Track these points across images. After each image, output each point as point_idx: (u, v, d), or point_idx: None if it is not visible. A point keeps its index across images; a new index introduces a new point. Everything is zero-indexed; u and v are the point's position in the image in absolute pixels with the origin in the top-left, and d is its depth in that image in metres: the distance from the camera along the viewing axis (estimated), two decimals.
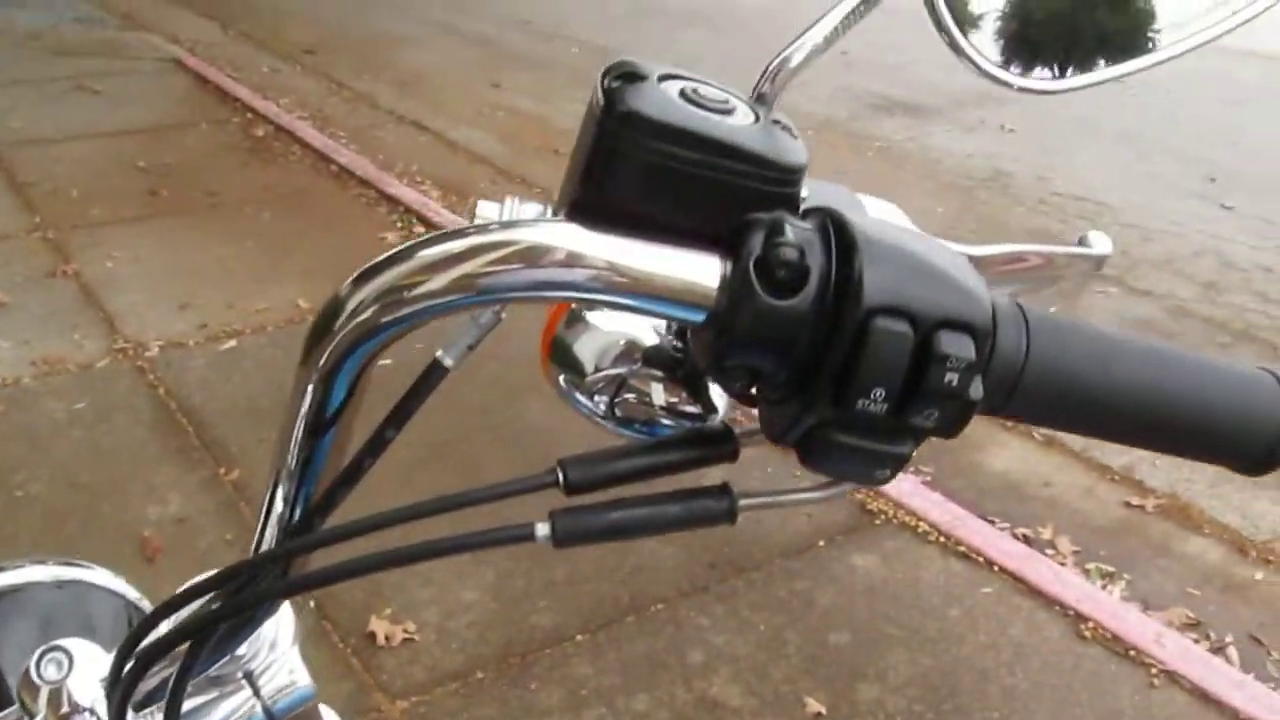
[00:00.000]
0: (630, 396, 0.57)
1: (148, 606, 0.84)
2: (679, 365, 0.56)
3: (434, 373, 0.51)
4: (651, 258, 0.46)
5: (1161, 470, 3.27)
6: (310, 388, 0.53)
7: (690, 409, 0.56)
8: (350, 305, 0.49)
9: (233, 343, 3.57)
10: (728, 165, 0.47)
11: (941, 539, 2.81)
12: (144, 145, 5.31)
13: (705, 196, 0.47)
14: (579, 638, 2.42)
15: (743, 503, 0.50)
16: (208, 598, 0.57)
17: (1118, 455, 3.33)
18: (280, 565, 0.57)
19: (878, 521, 2.86)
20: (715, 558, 2.68)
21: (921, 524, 2.85)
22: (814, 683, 2.34)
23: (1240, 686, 2.44)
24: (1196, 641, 2.58)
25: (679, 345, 0.56)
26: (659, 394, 0.56)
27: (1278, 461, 0.50)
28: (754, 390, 0.48)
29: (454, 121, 5.90)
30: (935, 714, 2.29)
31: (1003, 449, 3.30)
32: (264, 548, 0.58)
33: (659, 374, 0.56)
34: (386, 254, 0.49)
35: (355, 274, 0.50)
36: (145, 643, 0.56)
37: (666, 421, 0.57)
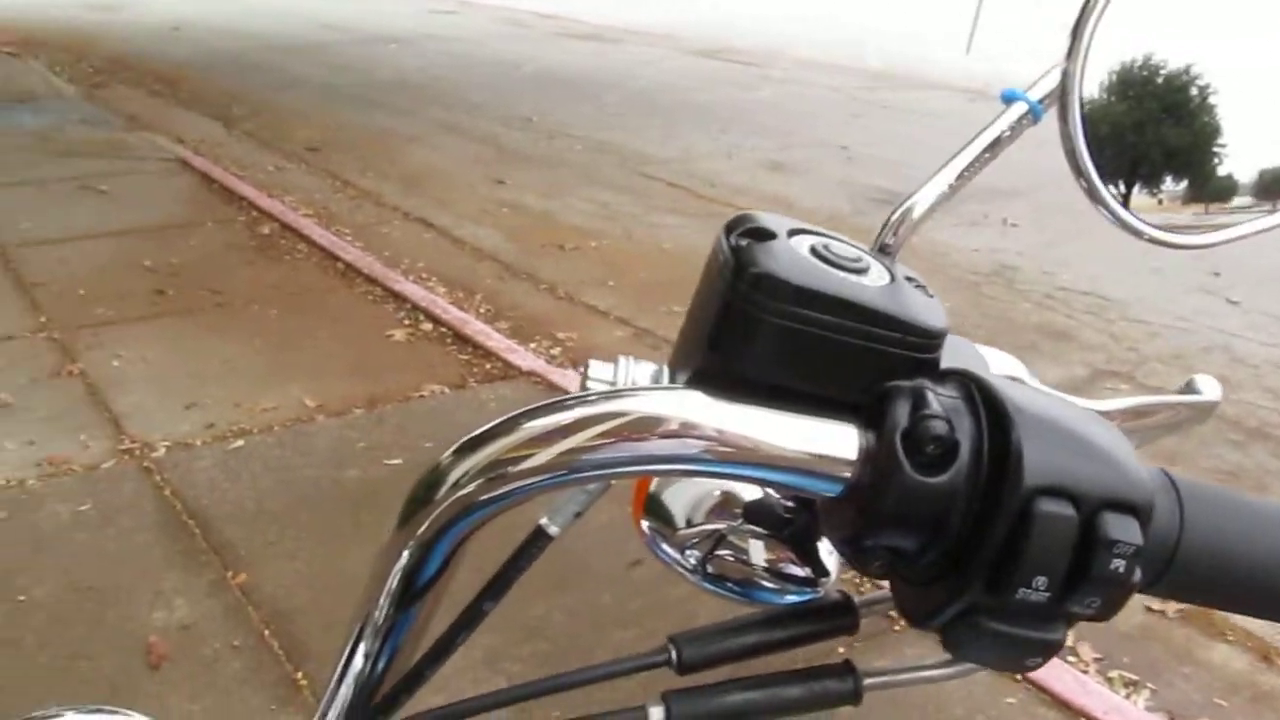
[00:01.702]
0: (726, 554, 0.54)
1: None
2: (785, 525, 0.53)
3: (537, 540, 0.48)
4: (783, 428, 0.44)
5: None
6: (404, 555, 0.49)
7: (795, 571, 0.53)
8: (452, 477, 0.46)
9: (240, 442, 3.54)
10: (867, 330, 0.44)
11: None
12: (150, 244, 5.33)
13: (840, 363, 0.45)
14: None
15: (868, 682, 0.47)
16: None
17: None
18: None
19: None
20: None
21: None
22: None
23: None
24: None
25: (790, 505, 0.53)
26: (758, 553, 0.53)
27: None
28: (892, 571, 0.45)
29: (459, 219, 5.93)
30: None
31: None
32: (333, 715, 0.54)
33: (761, 531, 0.53)
34: (491, 424, 0.46)
35: (459, 443, 0.47)
36: None
37: (766, 583, 0.54)
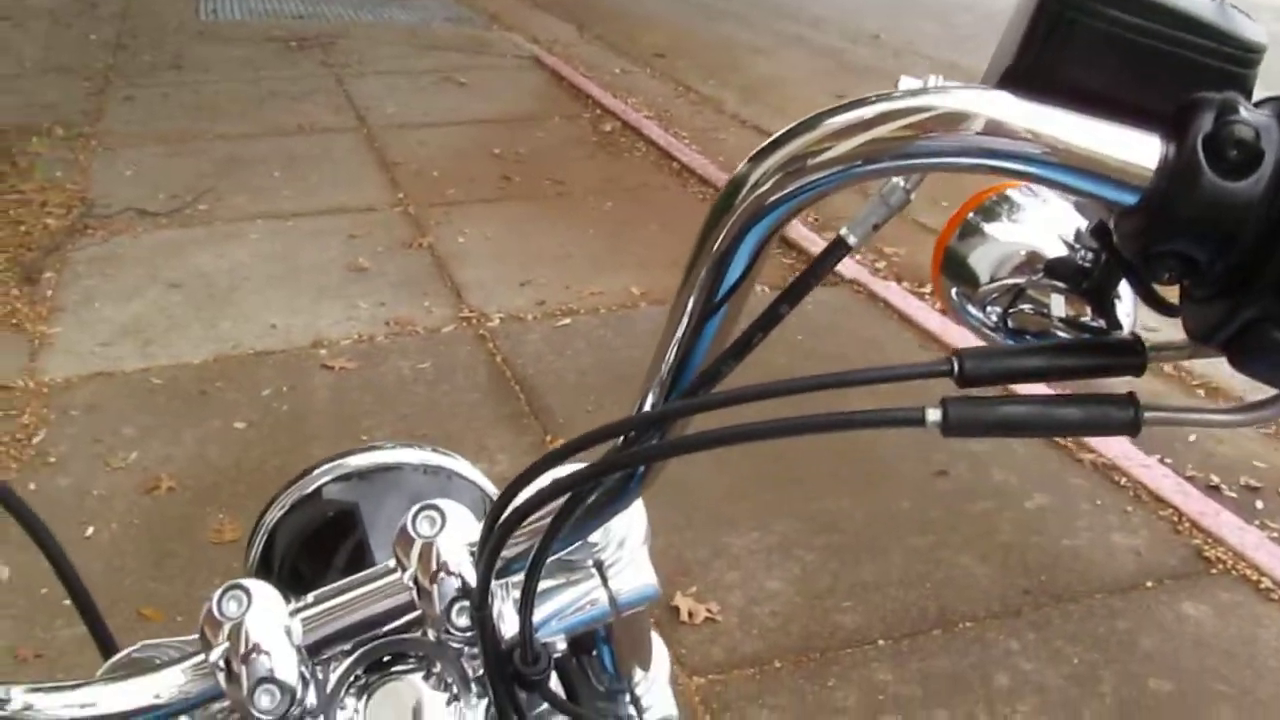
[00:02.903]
0: (1026, 308, 0.54)
1: None
2: (1085, 277, 0.52)
3: (836, 250, 0.49)
4: (1084, 132, 0.43)
5: None
6: (711, 257, 0.52)
7: (1092, 323, 0.53)
8: (754, 177, 0.49)
9: (567, 320, 3.71)
10: (1185, 38, 0.43)
11: None
12: (500, 134, 5.61)
13: (1154, 71, 0.44)
14: (881, 643, 2.37)
15: (1148, 415, 0.46)
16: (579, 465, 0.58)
17: None
18: (661, 429, 0.57)
19: (1214, 570, 2.65)
20: (1031, 583, 2.56)
21: (1265, 580, 2.63)
22: None
23: None
24: None
25: (1088, 257, 0.53)
26: (1059, 306, 0.53)
27: None
28: (1180, 288, 0.45)
29: None
30: None
31: None
32: (648, 405, 0.58)
33: (1061, 285, 0.53)
34: (789, 126, 0.48)
35: (760, 145, 0.50)
36: (520, 498, 0.58)
37: (1064, 334, 0.53)
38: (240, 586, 0.62)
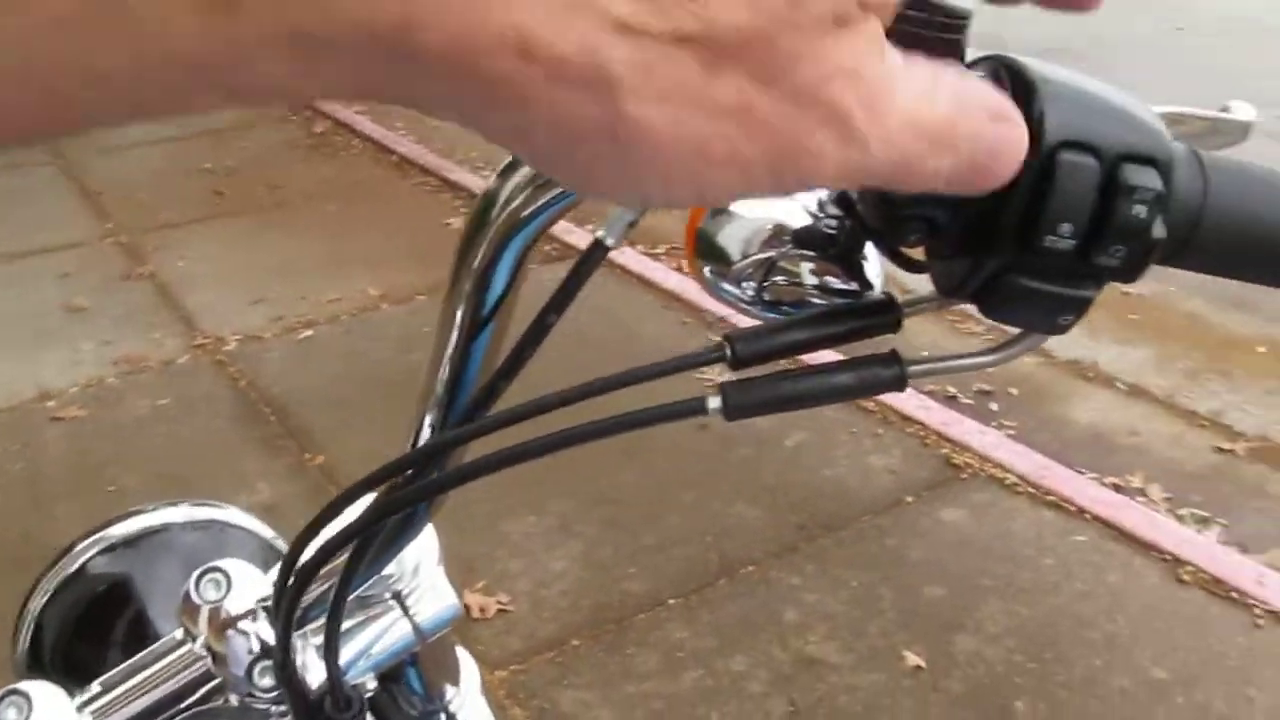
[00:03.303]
0: (780, 279, 0.56)
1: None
2: (833, 243, 0.54)
3: (595, 252, 0.50)
4: None
5: (1251, 414, 3.21)
6: (468, 283, 0.52)
7: (844, 286, 0.55)
8: (507, 191, 0.49)
9: (309, 332, 3.61)
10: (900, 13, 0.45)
11: (1030, 490, 2.78)
12: (206, 147, 5.38)
13: None
14: (671, 602, 2.42)
15: (912, 369, 0.49)
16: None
17: (1205, 401, 3.27)
18: (443, 459, 0.57)
19: (964, 476, 2.83)
20: (802, 518, 2.67)
21: (1009, 476, 2.82)
22: (911, 636, 2.33)
23: None
24: None
25: (832, 224, 0.55)
26: (810, 275, 0.55)
27: None
28: (926, 248, 0.47)
29: None
30: (1036, 663, 2.27)
31: (1086, 400, 3.25)
32: (422, 438, 0.58)
33: (810, 254, 0.55)
34: None
35: (504, 164, 0.50)
36: (310, 550, 0.56)
37: (818, 300, 0.56)
38: (17, 692, 0.58)
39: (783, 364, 0.51)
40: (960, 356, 0.50)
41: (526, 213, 0.49)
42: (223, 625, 0.60)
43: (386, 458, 0.56)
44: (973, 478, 2.83)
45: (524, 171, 0.48)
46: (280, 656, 0.59)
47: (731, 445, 2.93)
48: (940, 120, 0.36)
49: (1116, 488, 2.83)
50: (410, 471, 0.55)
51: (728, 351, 0.49)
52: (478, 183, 4.75)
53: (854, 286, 0.54)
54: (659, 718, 2.15)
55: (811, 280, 0.55)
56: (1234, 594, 2.45)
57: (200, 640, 0.61)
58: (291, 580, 0.57)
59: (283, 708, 0.62)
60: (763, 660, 2.27)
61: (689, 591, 2.45)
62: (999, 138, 0.39)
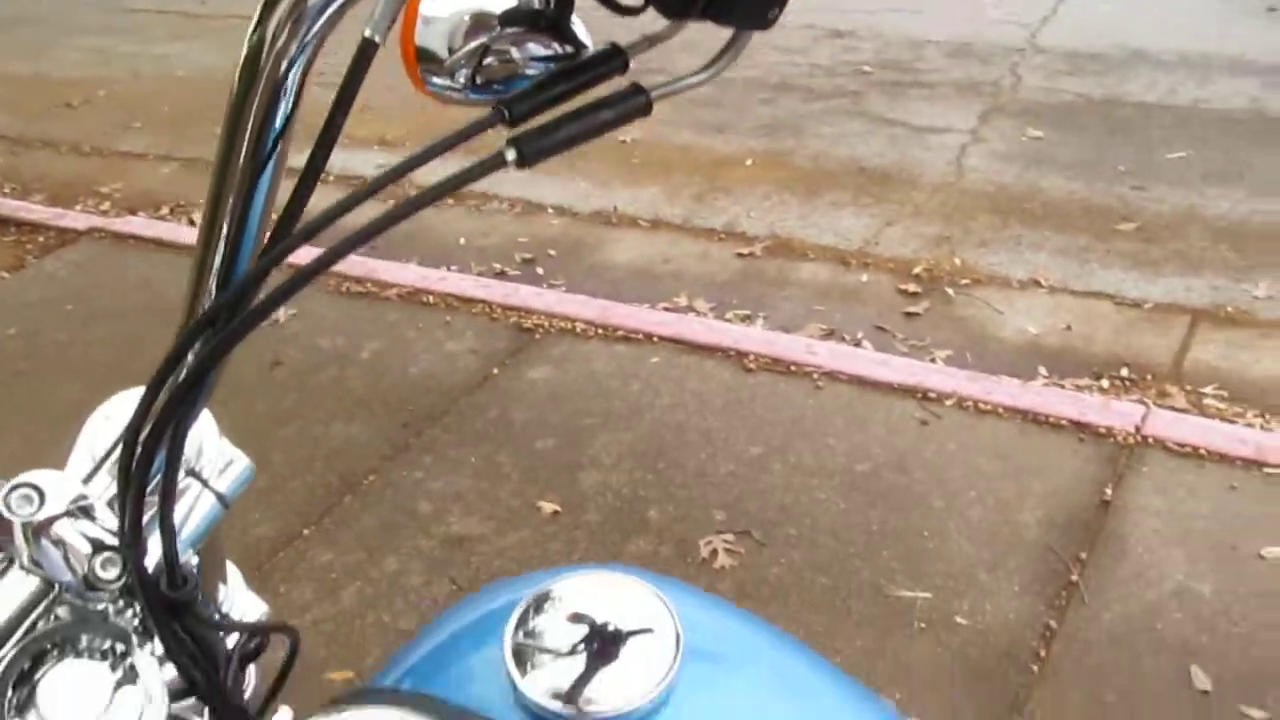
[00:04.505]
0: (491, 61, 0.60)
1: None
2: (539, 17, 0.60)
3: (367, 51, 0.53)
4: None
5: (757, 219, 3.59)
6: (251, 116, 0.54)
7: (561, 51, 0.61)
8: (268, 36, 0.52)
9: None
10: None
11: (599, 332, 2.98)
12: None
13: None
14: (306, 532, 2.41)
15: (655, 94, 0.57)
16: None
17: (717, 217, 3.62)
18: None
19: (538, 336, 2.99)
20: (405, 418, 2.72)
21: (577, 324, 3.01)
22: (540, 489, 2.46)
23: (884, 364, 2.79)
24: (838, 344, 2.91)
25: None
26: (522, 50, 0.60)
27: None
28: None
29: None
30: (654, 475, 2.47)
31: (618, 244, 3.50)
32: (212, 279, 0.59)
33: (521, 31, 0.60)
34: None
35: (256, 16, 0.52)
36: (146, 429, 0.57)
37: (532, 72, 0.61)
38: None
39: (552, 116, 0.57)
40: (686, 77, 0.59)
41: (296, 41, 0.52)
42: (47, 532, 0.59)
43: None
44: (545, 336, 2.99)
45: (281, 8, 0.51)
46: (130, 537, 0.59)
47: (314, 371, 2.91)
48: None
49: (669, 310, 3.09)
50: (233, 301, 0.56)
51: (505, 113, 0.55)
52: None
53: (570, 50, 0.61)
54: (334, 639, 2.16)
55: (524, 55, 0.60)
56: (793, 367, 2.79)
57: (25, 555, 0.59)
58: (139, 450, 0.57)
59: (121, 603, 0.62)
60: (413, 554, 2.32)
61: (320, 517, 2.44)
62: None
